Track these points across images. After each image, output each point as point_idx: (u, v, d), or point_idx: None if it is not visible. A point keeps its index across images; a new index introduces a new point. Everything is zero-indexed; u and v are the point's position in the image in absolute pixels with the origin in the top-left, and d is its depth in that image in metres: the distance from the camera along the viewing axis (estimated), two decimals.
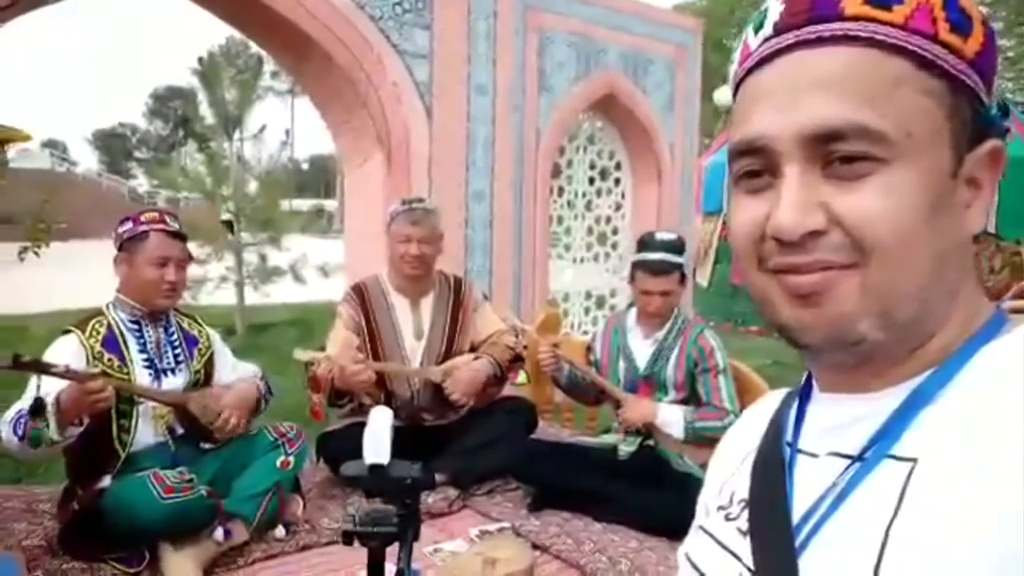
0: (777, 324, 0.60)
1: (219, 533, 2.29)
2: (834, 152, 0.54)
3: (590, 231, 6.09)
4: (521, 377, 3.47)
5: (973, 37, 0.56)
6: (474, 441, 2.97)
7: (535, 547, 2.43)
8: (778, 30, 0.58)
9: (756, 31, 0.60)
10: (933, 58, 0.54)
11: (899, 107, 0.54)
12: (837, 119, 0.53)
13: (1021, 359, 0.54)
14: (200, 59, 9.35)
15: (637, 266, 2.83)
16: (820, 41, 0.55)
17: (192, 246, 2.73)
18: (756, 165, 0.59)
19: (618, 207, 6.21)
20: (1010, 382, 0.53)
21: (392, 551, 0.89)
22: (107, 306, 2.48)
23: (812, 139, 0.54)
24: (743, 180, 0.61)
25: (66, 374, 2.05)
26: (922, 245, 0.54)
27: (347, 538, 0.86)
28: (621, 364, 2.91)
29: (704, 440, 2.64)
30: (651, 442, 2.81)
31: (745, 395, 2.79)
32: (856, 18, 0.55)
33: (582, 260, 6.09)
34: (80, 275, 10.00)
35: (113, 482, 2.27)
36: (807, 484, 0.61)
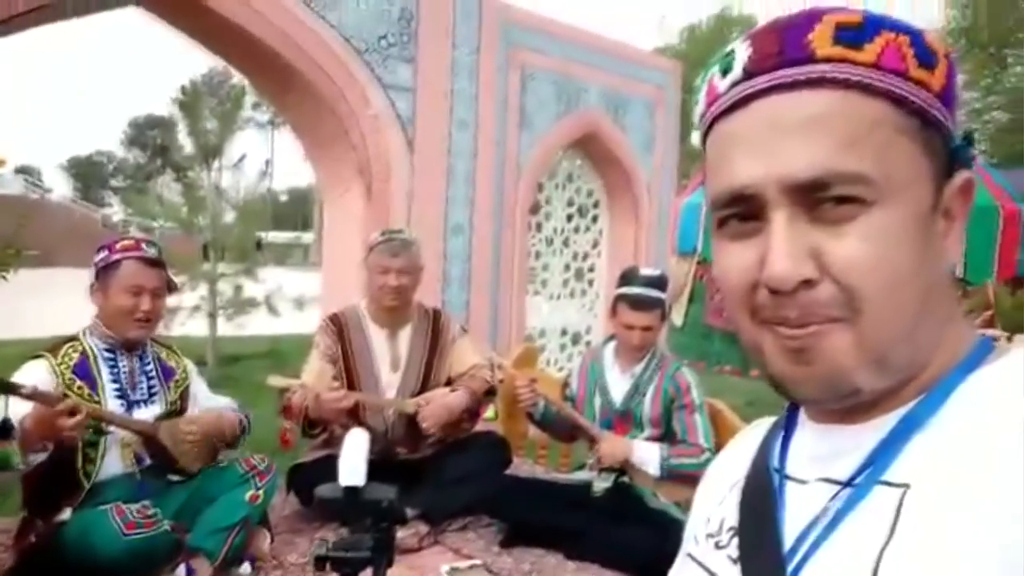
0: (770, 377, 0.59)
1: (181, 570, 2.23)
2: (821, 197, 0.54)
3: (567, 268, 6.12)
4: (489, 412, 3.44)
5: (939, 70, 0.56)
6: (447, 476, 2.93)
7: None
8: (749, 73, 0.57)
9: (724, 73, 0.59)
10: (906, 95, 0.55)
11: (879, 148, 0.54)
12: (820, 168, 0.53)
13: (1009, 386, 0.54)
14: (182, 88, 9.30)
15: (620, 299, 2.83)
16: (795, 85, 0.55)
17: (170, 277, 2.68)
18: (741, 211, 0.58)
19: (595, 244, 6.25)
20: (999, 409, 0.53)
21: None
22: (83, 332, 2.43)
23: (797, 187, 0.54)
24: (727, 226, 0.60)
25: (33, 395, 1.99)
26: (911, 286, 0.54)
27: (319, 563, 0.84)
28: (597, 399, 2.90)
29: (679, 477, 2.62)
30: (625, 479, 2.78)
31: (722, 433, 2.79)
32: (828, 60, 0.54)
33: (559, 296, 6.10)
34: (49, 303, 9.83)
35: (74, 515, 2.19)
36: (797, 510, 0.61)
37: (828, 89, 0.54)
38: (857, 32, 0.55)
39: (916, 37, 0.55)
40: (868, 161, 0.53)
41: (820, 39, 0.55)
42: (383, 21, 4.27)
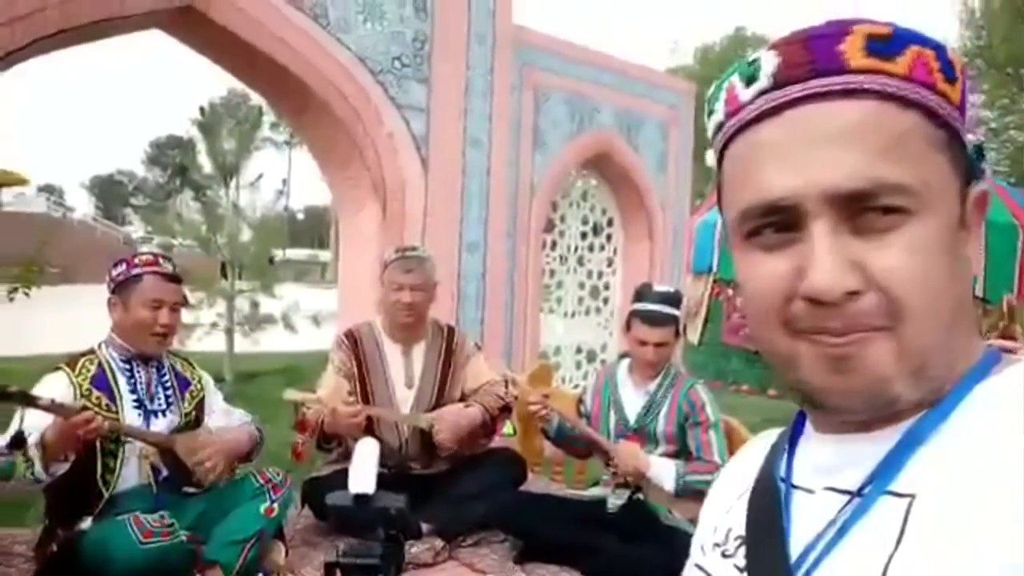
0: (805, 390, 0.58)
1: None
2: (863, 208, 0.53)
3: (582, 286, 6.13)
4: (507, 428, 3.44)
5: (957, 84, 0.57)
6: (462, 491, 2.94)
7: None
8: (778, 83, 0.57)
9: (748, 83, 0.59)
10: (936, 108, 0.55)
11: (916, 159, 0.54)
12: (864, 178, 0.53)
13: (1014, 394, 0.55)
14: (201, 109, 9.42)
15: (634, 315, 2.84)
16: (829, 95, 0.54)
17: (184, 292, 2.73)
18: (776, 222, 0.57)
19: (610, 263, 6.26)
20: (1004, 417, 0.53)
21: None
22: (99, 345, 2.47)
23: (840, 197, 0.53)
24: (760, 236, 0.58)
25: (51, 407, 2.03)
26: (947, 296, 0.55)
27: (329, 569, 0.85)
28: (611, 416, 2.90)
29: (694, 494, 2.62)
30: (640, 495, 2.78)
31: (736, 450, 2.77)
32: (861, 71, 0.54)
33: (573, 314, 6.10)
34: (69, 319, 9.94)
35: (92, 524, 2.23)
36: (805, 520, 0.61)
37: (863, 100, 0.54)
38: (887, 44, 0.55)
39: (941, 51, 0.56)
40: (907, 171, 0.53)
41: (852, 50, 0.55)
42: (397, 43, 4.33)
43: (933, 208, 0.54)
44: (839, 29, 0.56)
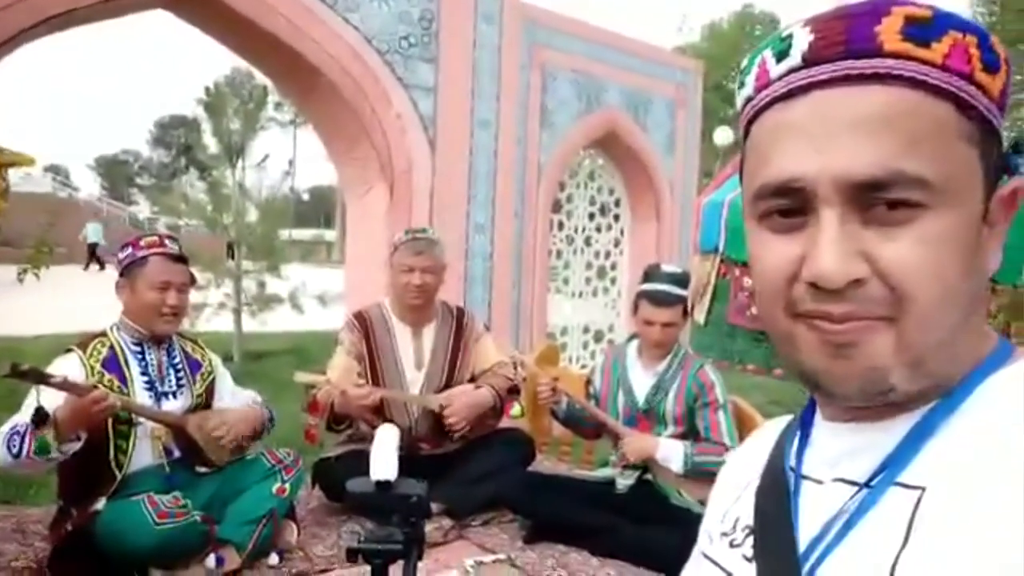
0: (802, 372, 0.58)
1: (211, 560, 2.26)
2: (876, 198, 0.52)
3: (589, 266, 6.12)
4: (515, 410, 3.45)
5: (999, 75, 0.55)
6: (471, 472, 2.96)
7: None
8: (808, 62, 0.55)
9: (778, 59, 0.57)
10: (969, 99, 0.53)
11: (942, 152, 0.52)
12: (882, 168, 0.51)
13: None
14: (206, 89, 9.40)
15: (641, 296, 2.84)
16: (860, 78, 0.53)
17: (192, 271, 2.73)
18: (787, 205, 0.55)
19: (617, 243, 6.24)
20: (1016, 411, 0.53)
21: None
22: (111, 327, 2.48)
23: (853, 185, 0.52)
24: (769, 219, 0.57)
25: (64, 385, 2.05)
26: (958, 294, 0.53)
27: (351, 555, 0.86)
28: (620, 397, 2.91)
29: (703, 475, 2.63)
30: (649, 476, 2.79)
31: (745, 431, 2.78)
32: (895, 55, 0.52)
33: (581, 295, 6.11)
34: (75, 300, 10.00)
35: (107, 504, 2.25)
36: (813, 510, 0.60)
37: (894, 86, 0.52)
38: (926, 28, 0.53)
39: (983, 39, 0.54)
40: (930, 164, 0.51)
41: (888, 32, 0.53)
42: (405, 22, 4.30)
43: (952, 203, 0.52)
44: (878, 8, 0.54)
